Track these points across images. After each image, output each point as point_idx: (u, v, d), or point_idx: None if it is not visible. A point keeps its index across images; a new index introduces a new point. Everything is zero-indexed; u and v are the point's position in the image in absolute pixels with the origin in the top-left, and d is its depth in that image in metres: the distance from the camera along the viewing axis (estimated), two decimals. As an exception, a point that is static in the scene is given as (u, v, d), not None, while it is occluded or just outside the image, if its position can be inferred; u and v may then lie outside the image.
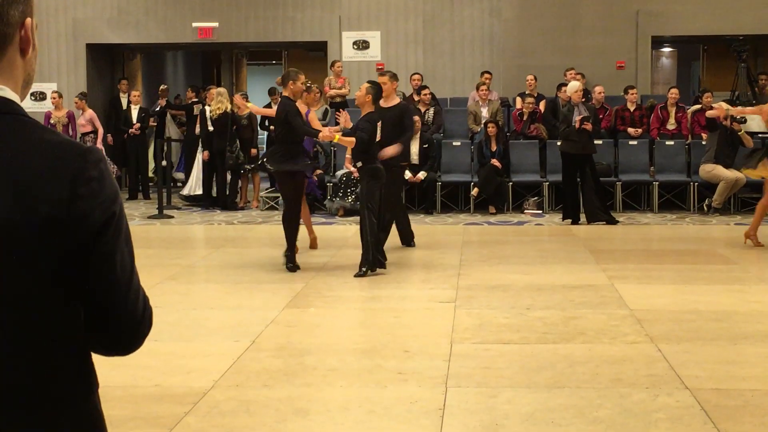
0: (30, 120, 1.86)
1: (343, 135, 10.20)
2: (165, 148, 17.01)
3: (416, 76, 17.21)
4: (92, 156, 1.84)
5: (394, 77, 11.26)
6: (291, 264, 10.15)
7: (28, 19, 1.90)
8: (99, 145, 17.00)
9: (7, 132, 1.82)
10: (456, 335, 7.34)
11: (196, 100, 18.53)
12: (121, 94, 18.78)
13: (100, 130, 17.30)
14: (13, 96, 1.87)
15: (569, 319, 7.88)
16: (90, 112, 17.42)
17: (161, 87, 20.74)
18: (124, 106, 18.40)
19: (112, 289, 1.87)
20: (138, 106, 18.06)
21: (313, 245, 11.60)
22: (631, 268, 10.29)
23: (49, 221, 1.78)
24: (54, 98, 17.47)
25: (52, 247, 1.79)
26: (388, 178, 10.79)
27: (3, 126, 1.82)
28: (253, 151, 16.27)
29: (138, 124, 17.84)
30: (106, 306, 1.88)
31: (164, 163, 16.39)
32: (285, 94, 10.46)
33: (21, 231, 1.77)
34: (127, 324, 1.91)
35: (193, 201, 16.86)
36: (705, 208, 15.04)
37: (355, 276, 9.80)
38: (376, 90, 10.28)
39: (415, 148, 15.11)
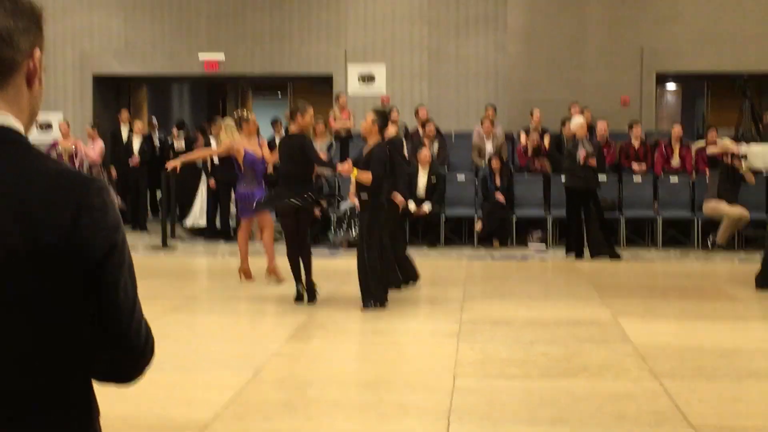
0: (33, 149, 1.86)
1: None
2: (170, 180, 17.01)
3: (422, 109, 17.28)
4: (95, 185, 1.84)
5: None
6: (302, 297, 10.11)
7: (38, 51, 1.91)
8: (114, 175, 17.20)
9: (10, 160, 1.82)
10: (459, 369, 7.31)
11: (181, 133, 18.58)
12: (122, 125, 18.59)
13: (98, 160, 17.37)
14: (16, 124, 1.87)
15: (573, 354, 7.85)
16: (100, 143, 17.50)
17: (152, 119, 20.63)
18: (125, 137, 18.25)
19: (115, 319, 1.86)
20: (140, 137, 17.98)
21: (248, 275, 11.65)
22: (635, 304, 10.26)
23: (51, 250, 1.78)
24: (63, 127, 17.55)
25: (54, 276, 1.79)
26: (389, 213, 10.71)
27: (6, 154, 1.82)
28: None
29: (137, 156, 17.75)
30: (109, 335, 1.87)
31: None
32: (293, 128, 10.33)
33: (23, 259, 1.77)
34: (129, 353, 1.91)
35: (196, 232, 16.86)
36: (709, 244, 15.02)
37: (362, 309, 9.75)
38: (382, 119, 10.21)
39: (423, 180, 15.13)
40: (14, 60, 1.87)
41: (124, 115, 18.75)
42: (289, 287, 10.44)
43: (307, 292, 10.15)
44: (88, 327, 1.86)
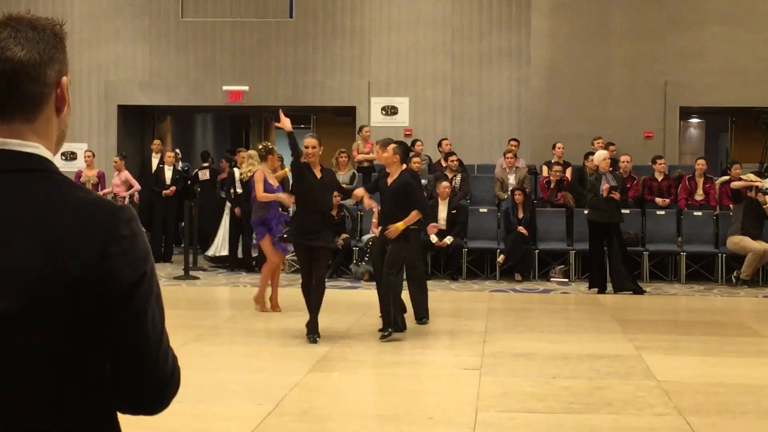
0: (63, 177, 1.87)
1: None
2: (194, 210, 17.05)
3: (445, 142, 17.34)
4: (124, 214, 1.84)
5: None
6: (312, 335, 9.95)
7: (64, 78, 1.92)
8: (136, 199, 17.25)
9: (40, 189, 1.83)
10: (481, 403, 7.26)
11: (206, 165, 18.64)
12: (153, 155, 18.57)
13: (137, 186, 17.50)
14: (46, 154, 1.89)
15: (596, 389, 7.79)
16: (126, 173, 17.57)
17: (175, 151, 20.56)
18: (154, 167, 18.28)
19: (142, 348, 1.86)
20: (172, 167, 18.00)
21: (264, 308, 11.77)
22: (659, 339, 10.19)
23: (80, 279, 1.78)
24: (87, 157, 17.67)
25: (82, 305, 1.79)
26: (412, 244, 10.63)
27: (36, 183, 1.84)
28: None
29: (174, 187, 17.77)
30: (136, 365, 1.87)
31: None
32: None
33: (52, 288, 1.77)
34: (155, 383, 1.90)
35: (218, 262, 16.90)
36: (733, 279, 14.92)
37: (380, 339, 9.73)
38: (404, 150, 10.27)
39: (443, 213, 15.13)
40: (43, 94, 1.89)
41: (157, 145, 18.65)
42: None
43: (306, 327, 9.93)
44: (114, 356, 1.85)
